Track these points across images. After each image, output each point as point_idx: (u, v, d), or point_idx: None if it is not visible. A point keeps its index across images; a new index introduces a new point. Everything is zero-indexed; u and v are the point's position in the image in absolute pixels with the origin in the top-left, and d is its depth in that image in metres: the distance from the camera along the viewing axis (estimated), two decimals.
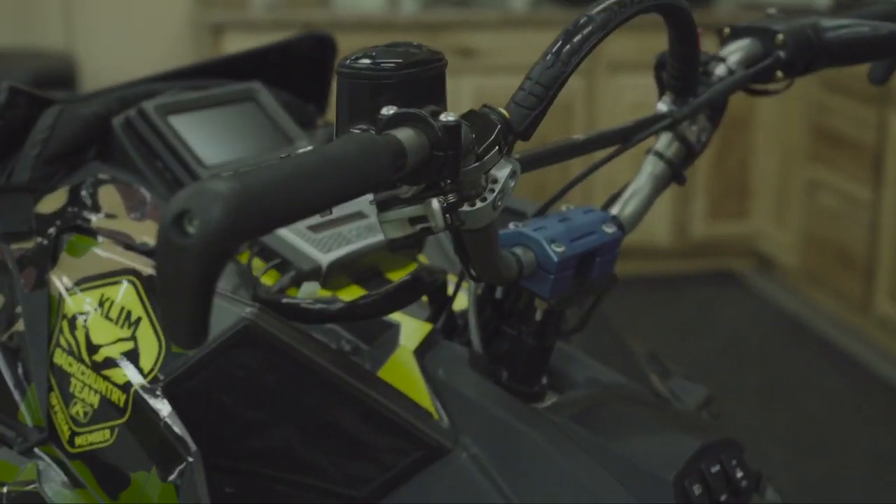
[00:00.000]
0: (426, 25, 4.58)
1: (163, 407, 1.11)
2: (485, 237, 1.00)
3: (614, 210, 1.21)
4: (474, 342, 1.19)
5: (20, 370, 1.23)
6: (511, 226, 1.12)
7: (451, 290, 1.23)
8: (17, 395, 1.22)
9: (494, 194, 0.94)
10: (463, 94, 4.43)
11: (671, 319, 4.57)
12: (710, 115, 1.23)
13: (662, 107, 1.20)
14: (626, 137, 1.16)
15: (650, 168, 1.23)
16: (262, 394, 1.10)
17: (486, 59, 4.58)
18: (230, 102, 1.48)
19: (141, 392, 1.12)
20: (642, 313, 4.56)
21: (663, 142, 1.23)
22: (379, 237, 1.31)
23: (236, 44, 4.29)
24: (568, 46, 0.99)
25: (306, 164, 0.76)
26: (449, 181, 0.89)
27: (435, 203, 0.88)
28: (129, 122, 1.37)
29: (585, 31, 1.00)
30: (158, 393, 1.11)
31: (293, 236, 1.27)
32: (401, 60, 0.88)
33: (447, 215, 0.90)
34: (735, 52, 1.23)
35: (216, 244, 0.69)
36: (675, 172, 1.23)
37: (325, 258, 1.26)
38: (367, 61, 0.88)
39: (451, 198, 0.90)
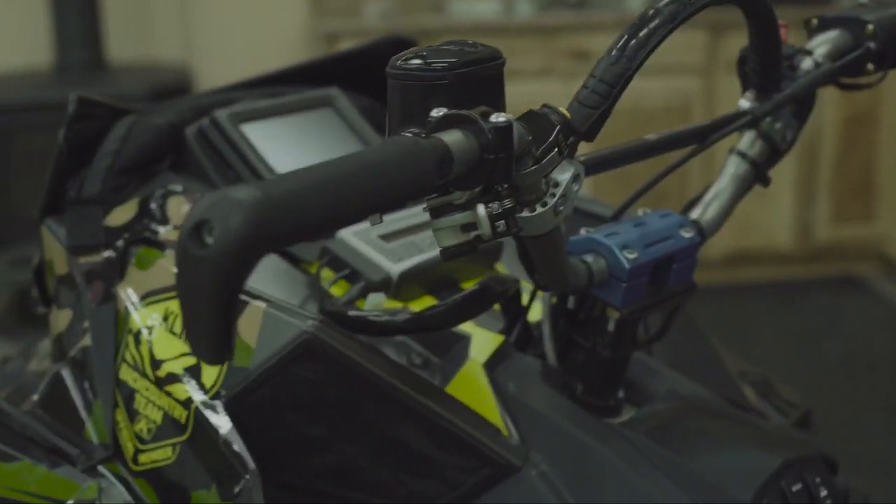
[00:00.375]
0: (541, 29, 4.53)
1: (222, 424, 1.08)
2: (549, 244, 0.95)
3: (694, 214, 1.15)
4: (548, 354, 1.14)
5: (87, 386, 1.22)
6: (582, 231, 1.07)
7: (526, 299, 1.18)
8: (83, 411, 1.21)
9: (556, 199, 0.90)
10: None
11: (793, 327, 4.44)
12: (797, 111, 1.17)
13: (744, 104, 1.14)
14: (703, 136, 1.10)
15: (732, 168, 1.16)
16: (325, 409, 1.07)
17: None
18: (306, 109, 1.44)
19: (201, 408, 1.09)
20: (763, 321, 4.45)
21: (746, 141, 1.16)
22: None
23: None
24: (634, 41, 0.94)
25: (338, 170, 0.73)
26: (505, 185, 0.86)
27: (482, 209, 0.84)
28: (201, 130, 1.34)
29: (652, 24, 0.95)
30: (219, 409, 1.09)
31: (363, 245, 1.23)
32: (454, 60, 0.85)
33: (502, 221, 0.86)
34: (822, 44, 1.16)
35: (235, 255, 0.65)
36: (759, 173, 1.16)
37: (395, 268, 1.22)
38: (418, 62, 0.85)
39: (508, 203, 0.86)
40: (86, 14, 4.33)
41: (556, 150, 0.88)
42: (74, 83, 4.10)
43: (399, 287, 1.23)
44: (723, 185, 1.16)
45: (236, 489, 1.05)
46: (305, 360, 1.05)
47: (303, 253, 1.25)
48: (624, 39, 0.94)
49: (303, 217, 0.69)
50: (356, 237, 1.24)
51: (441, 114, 0.81)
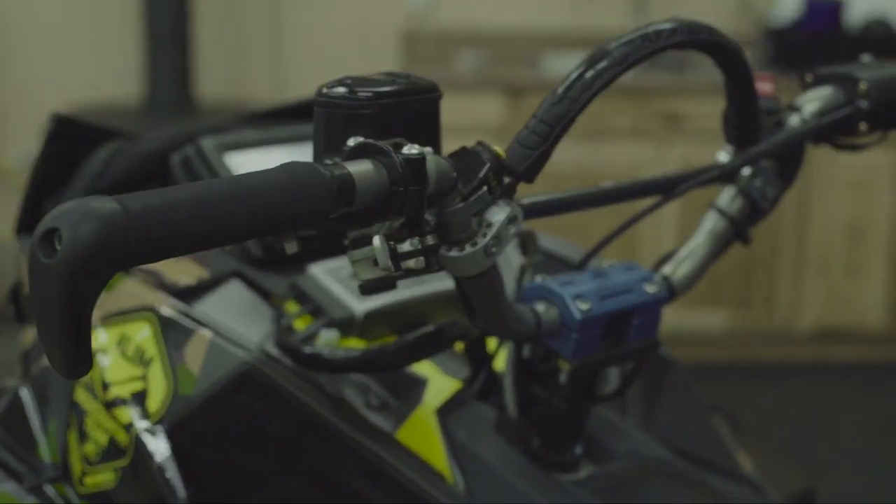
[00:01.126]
0: (635, 90, 4.48)
1: (159, 450, 1.06)
2: (484, 286, 0.91)
3: (666, 269, 1.10)
4: (508, 404, 1.10)
5: (45, 405, 1.21)
6: (537, 279, 1.03)
7: (494, 346, 1.15)
8: (39, 431, 1.20)
9: (486, 239, 0.86)
10: (670, 161, 4.30)
11: (881, 412, 4.27)
12: (781, 170, 1.11)
13: (721, 157, 1.09)
14: (669, 187, 1.05)
15: (710, 225, 1.12)
16: (267, 444, 1.06)
17: (693, 124, 4.43)
18: (293, 142, 1.43)
19: (142, 434, 1.08)
20: (848, 403, 4.30)
21: (725, 197, 1.12)
22: (429, 287, 1.24)
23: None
24: (579, 82, 0.91)
25: (212, 190, 0.71)
26: (430, 221, 0.84)
27: (377, 240, 0.81)
28: (185, 158, 1.33)
29: (599, 65, 0.91)
30: (158, 436, 1.07)
31: (332, 282, 1.21)
32: (379, 90, 0.83)
33: (421, 258, 0.83)
34: (812, 101, 1.11)
35: (82, 266, 0.64)
36: (738, 230, 1.11)
37: (361, 307, 1.19)
38: (342, 90, 0.83)
39: (430, 239, 0.84)
40: (177, 51, 4.42)
41: (485, 188, 0.85)
42: (162, 118, 4.17)
43: (365, 326, 1.20)
44: (699, 241, 1.11)
45: None
46: (245, 391, 1.04)
47: (273, 286, 1.23)
48: (570, 80, 0.91)
49: (163, 234, 0.67)
50: (328, 274, 1.22)
51: (354, 143, 0.79)
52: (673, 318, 4.39)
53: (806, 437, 3.88)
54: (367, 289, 0.85)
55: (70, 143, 1.30)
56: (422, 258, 0.84)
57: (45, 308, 0.65)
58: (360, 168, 0.77)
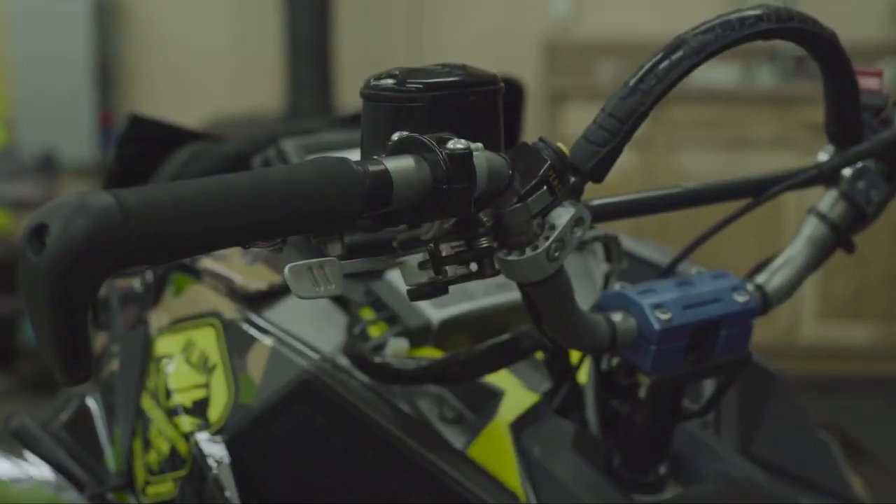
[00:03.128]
0: (780, 99, 4.35)
1: (216, 461, 1.02)
2: (551, 293, 0.85)
3: (760, 278, 1.01)
4: (590, 420, 1.03)
5: (111, 411, 1.18)
6: (617, 286, 0.96)
7: (576, 358, 1.08)
8: (104, 438, 1.17)
9: (549, 242, 0.79)
10: None
11: None
12: (889, 172, 1.02)
13: (821, 157, 1.00)
14: (760, 190, 0.97)
15: (809, 231, 1.03)
16: (328, 457, 1.01)
17: None
18: None
19: (201, 444, 1.04)
20: None
21: (827, 201, 1.02)
22: (511, 295, 1.17)
23: (578, 112, 4.24)
24: (652, 74, 0.83)
25: (225, 185, 0.65)
26: (490, 222, 0.77)
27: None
28: (266, 160, 1.29)
29: (674, 56, 0.84)
30: (217, 446, 1.03)
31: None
32: (430, 81, 0.76)
33: (473, 263, 0.77)
34: None
35: (70, 264, 0.59)
36: (840, 238, 1.02)
37: (437, 315, 1.13)
38: (390, 82, 0.77)
39: (484, 242, 0.77)
40: (319, 63, 4.45)
41: (544, 188, 0.78)
42: None
43: (440, 335, 1.14)
44: (797, 249, 1.02)
45: None
46: (306, 402, 0.99)
47: (351, 292, 1.18)
48: (642, 71, 0.84)
49: (169, 232, 0.62)
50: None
51: (398, 137, 0.73)
52: (815, 330, 4.30)
53: None
54: (416, 294, 0.79)
55: (150, 144, 1.27)
56: (474, 262, 0.77)
57: (33, 309, 0.60)
58: (399, 164, 0.71)
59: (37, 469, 1.17)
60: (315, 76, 4.44)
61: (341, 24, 4.67)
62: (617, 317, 0.93)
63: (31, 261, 0.59)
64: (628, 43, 4.75)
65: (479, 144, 0.74)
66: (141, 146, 1.25)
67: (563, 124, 4.32)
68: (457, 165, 0.72)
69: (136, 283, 1.21)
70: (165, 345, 1.14)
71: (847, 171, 1.01)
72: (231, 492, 1.00)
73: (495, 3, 4.90)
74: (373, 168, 0.70)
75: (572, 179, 0.82)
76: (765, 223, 3.92)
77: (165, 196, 0.62)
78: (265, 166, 1.29)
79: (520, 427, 1.04)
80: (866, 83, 0.98)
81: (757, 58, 4.60)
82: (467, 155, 0.72)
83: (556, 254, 0.80)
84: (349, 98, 4.65)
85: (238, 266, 1.20)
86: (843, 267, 4.15)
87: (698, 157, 4.13)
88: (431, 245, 0.76)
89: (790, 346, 4.25)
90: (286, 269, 0.69)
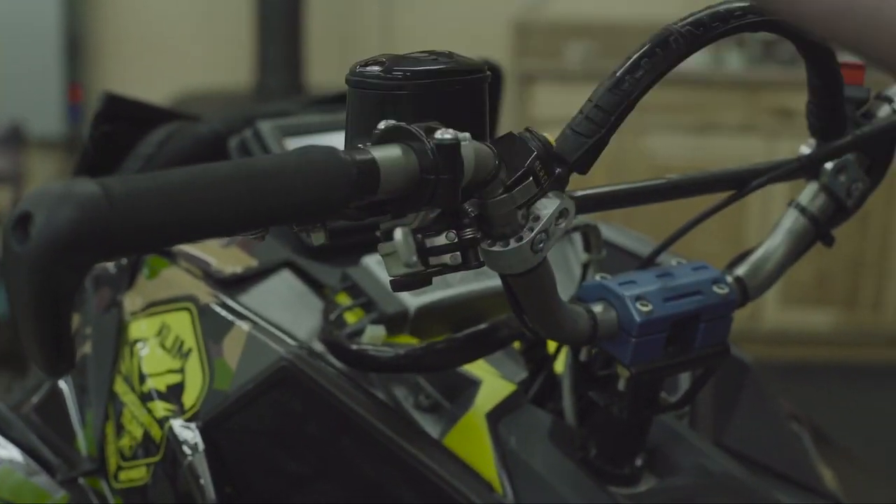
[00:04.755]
0: (747, 84, 4.35)
1: (190, 448, 1.01)
2: (533, 284, 0.84)
3: (739, 270, 1.01)
4: (566, 410, 1.03)
5: (83, 395, 1.17)
6: (597, 277, 0.96)
7: (553, 347, 1.07)
8: (77, 422, 1.16)
9: (533, 234, 0.79)
10: (781, 157, 4.16)
11: None
12: (869, 166, 1.02)
13: (804, 150, 1.00)
14: (742, 182, 0.97)
15: (789, 223, 1.03)
16: (304, 444, 1.00)
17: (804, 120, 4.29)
18: None
19: (175, 429, 1.03)
20: None
21: (807, 193, 1.02)
22: (488, 283, 1.17)
23: (547, 94, 4.24)
24: (639, 65, 0.83)
25: (211, 173, 0.64)
26: (475, 213, 0.77)
27: (399, 233, 0.74)
28: (243, 141, 1.28)
29: (662, 47, 0.84)
30: (191, 432, 1.02)
31: (385, 273, 1.14)
32: (417, 68, 0.76)
33: (457, 252, 0.76)
34: None
35: (55, 254, 0.57)
36: (820, 231, 1.02)
37: (413, 301, 1.13)
38: (376, 69, 0.76)
39: (469, 233, 0.76)
40: (288, 40, 4.41)
41: (530, 178, 0.78)
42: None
43: (417, 322, 1.13)
44: (776, 241, 1.02)
45: None
46: (282, 388, 0.98)
47: (327, 277, 1.18)
48: (630, 61, 0.83)
49: (153, 221, 0.61)
50: (382, 265, 1.15)
51: (384, 126, 0.72)
52: (777, 315, 4.32)
53: None
54: (399, 285, 0.78)
55: (125, 124, 1.25)
56: (458, 253, 0.77)
57: (17, 299, 0.59)
58: (386, 153, 0.70)
59: (7, 452, 1.15)
60: (285, 53, 4.40)
61: (313, 1, 4.64)
62: (598, 308, 0.93)
63: (14, 250, 0.58)
64: (598, 25, 4.74)
65: (467, 134, 0.73)
66: (116, 125, 1.24)
67: (531, 106, 4.31)
68: (444, 155, 0.71)
69: (109, 265, 1.20)
70: (139, 328, 1.12)
71: (828, 164, 1.01)
72: (205, 478, 0.99)
73: None
74: (360, 157, 0.69)
75: (557, 170, 0.81)
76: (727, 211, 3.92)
77: (151, 185, 0.61)
78: (242, 148, 1.27)
79: (496, 416, 1.03)
80: (849, 76, 0.98)
81: (726, 42, 4.60)
82: (455, 145, 0.71)
83: (541, 245, 0.80)
84: (319, 76, 4.63)
85: (213, 249, 1.19)
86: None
87: (667, 140, 4.13)
88: (419, 236, 0.75)
89: (753, 332, 4.28)
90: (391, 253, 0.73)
